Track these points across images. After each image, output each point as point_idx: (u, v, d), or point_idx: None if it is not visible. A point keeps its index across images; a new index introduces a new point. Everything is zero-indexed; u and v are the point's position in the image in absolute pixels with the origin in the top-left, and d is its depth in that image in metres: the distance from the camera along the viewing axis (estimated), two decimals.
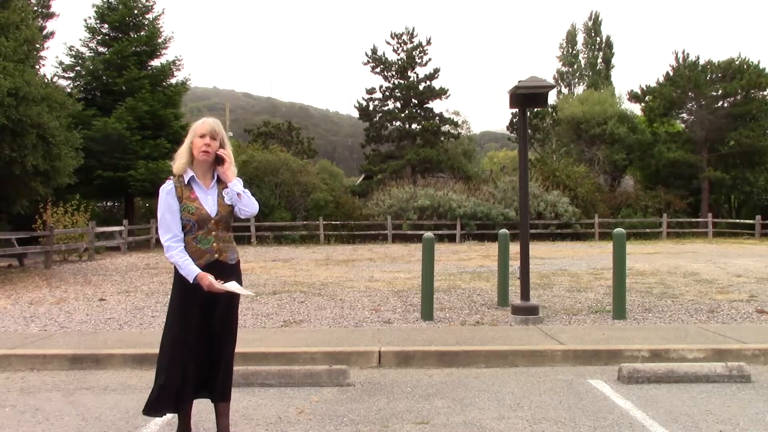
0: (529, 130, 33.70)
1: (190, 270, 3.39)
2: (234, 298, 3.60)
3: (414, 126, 36.34)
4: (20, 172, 12.81)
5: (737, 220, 29.95)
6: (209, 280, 3.36)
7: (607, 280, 10.76)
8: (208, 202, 3.48)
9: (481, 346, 5.88)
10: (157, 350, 5.73)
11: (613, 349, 5.75)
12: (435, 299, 7.87)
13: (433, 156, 34.53)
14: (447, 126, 36.60)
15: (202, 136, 3.46)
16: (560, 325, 6.97)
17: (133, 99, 22.26)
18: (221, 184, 3.53)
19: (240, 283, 3.55)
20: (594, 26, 49.13)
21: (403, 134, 36.15)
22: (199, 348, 3.49)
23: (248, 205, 3.48)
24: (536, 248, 18.92)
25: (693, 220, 29.72)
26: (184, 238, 3.46)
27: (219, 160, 3.50)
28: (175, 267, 3.49)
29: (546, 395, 4.72)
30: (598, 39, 48.94)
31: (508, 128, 41.53)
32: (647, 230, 27.94)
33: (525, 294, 7.38)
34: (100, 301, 9.13)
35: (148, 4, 24.75)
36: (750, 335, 6.29)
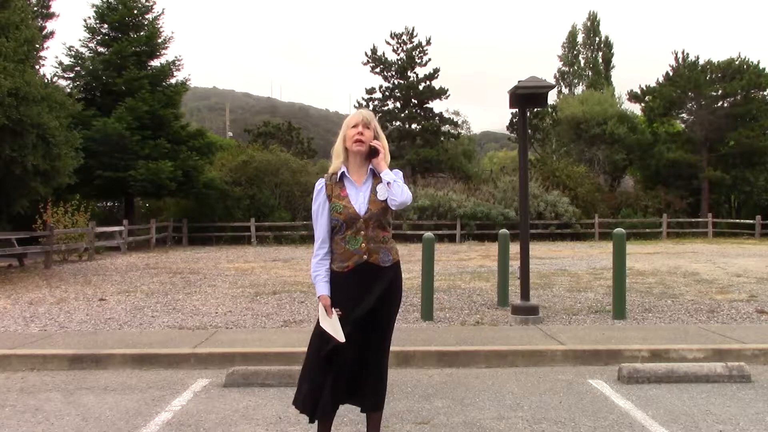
0: (529, 130, 33.72)
1: (318, 288, 3.24)
2: (392, 305, 3.41)
3: (414, 126, 36.32)
4: (20, 172, 12.81)
5: (737, 220, 29.90)
6: (326, 304, 3.19)
7: (607, 280, 10.76)
8: (358, 199, 3.24)
9: (481, 346, 5.88)
10: (157, 350, 5.81)
11: (613, 349, 5.75)
12: (435, 299, 7.87)
13: (433, 156, 34.52)
14: (447, 126, 36.58)
15: (355, 126, 3.25)
16: (560, 325, 6.97)
17: (132, 99, 22.23)
18: (376, 179, 3.29)
19: (398, 284, 3.40)
20: (593, 26, 49.11)
21: (403, 134, 36.14)
22: (349, 354, 3.19)
23: (397, 195, 3.19)
24: (536, 248, 18.92)
25: (693, 220, 29.68)
26: (334, 238, 3.25)
27: (373, 152, 3.27)
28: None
29: (546, 395, 4.72)
30: (597, 39, 48.91)
31: (508, 128, 41.54)
32: (647, 230, 27.89)
33: (525, 294, 7.38)
34: (100, 301, 9.13)
35: (147, 4, 24.70)
36: (750, 335, 6.29)
